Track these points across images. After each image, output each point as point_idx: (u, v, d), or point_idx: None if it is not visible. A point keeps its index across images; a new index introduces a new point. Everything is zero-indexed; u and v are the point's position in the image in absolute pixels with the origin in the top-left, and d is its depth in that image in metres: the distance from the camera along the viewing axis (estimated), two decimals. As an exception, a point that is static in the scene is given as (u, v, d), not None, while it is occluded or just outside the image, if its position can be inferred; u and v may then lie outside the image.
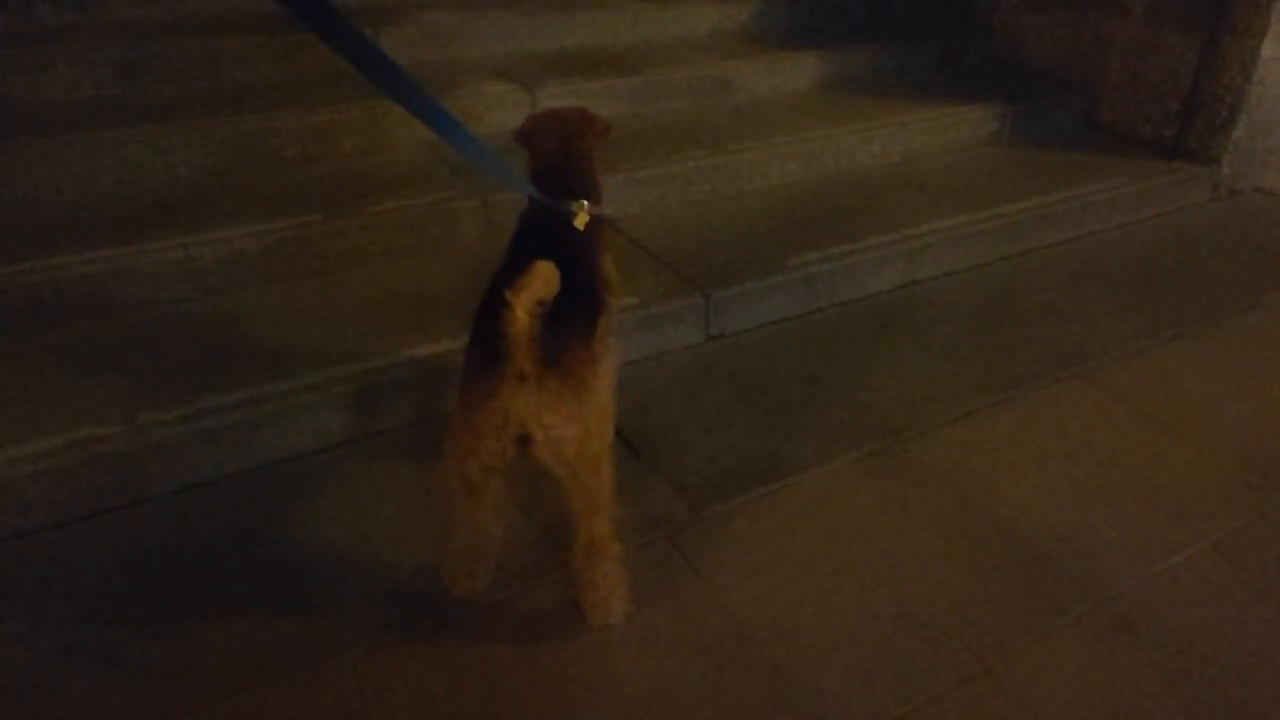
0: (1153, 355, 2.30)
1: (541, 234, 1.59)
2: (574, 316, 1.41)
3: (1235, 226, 3.10)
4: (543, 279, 1.24)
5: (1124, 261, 2.84)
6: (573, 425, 1.35)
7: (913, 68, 3.87)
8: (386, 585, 1.59)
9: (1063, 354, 2.30)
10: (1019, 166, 3.27)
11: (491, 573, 1.57)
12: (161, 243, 2.25)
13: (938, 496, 1.80)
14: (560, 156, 1.75)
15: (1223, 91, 3.18)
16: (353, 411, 1.99)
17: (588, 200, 1.66)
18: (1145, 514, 1.75)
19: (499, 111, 3.01)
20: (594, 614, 1.50)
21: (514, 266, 1.38)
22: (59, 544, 1.68)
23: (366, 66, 1.23)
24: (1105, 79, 3.56)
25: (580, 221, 1.62)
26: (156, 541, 1.69)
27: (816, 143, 3.13)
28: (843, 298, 2.60)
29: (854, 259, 2.59)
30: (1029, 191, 3.02)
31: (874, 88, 3.65)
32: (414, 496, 1.80)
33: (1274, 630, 1.49)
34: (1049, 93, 3.63)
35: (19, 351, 2.04)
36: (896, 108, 3.39)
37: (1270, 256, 2.86)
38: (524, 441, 1.36)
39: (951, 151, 3.41)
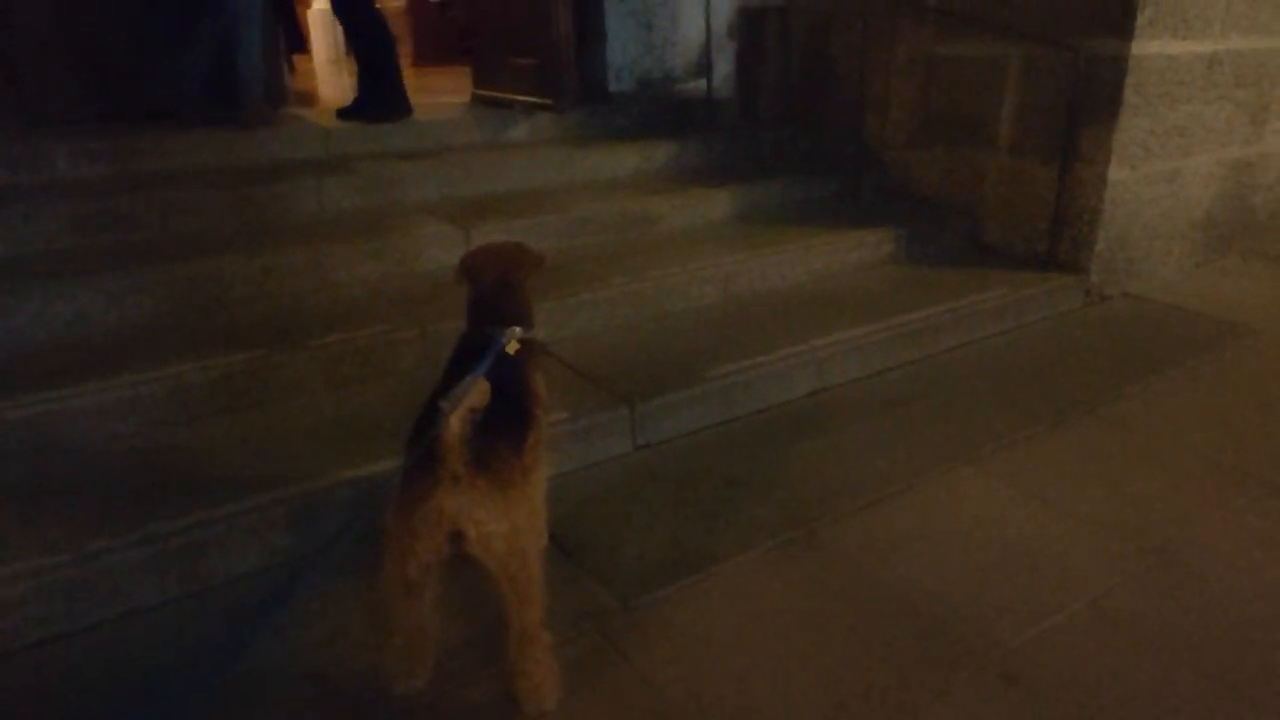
0: (1035, 443, 2.55)
1: (476, 355, 1.77)
2: (504, 426, 1.58)
3: (1106, 328, 3.45)
4: (475, 389, 1.42)
5: (1010, 362, 3.14)
6: (501, 521, 1.49)
7: (816, 199, 4.28)
8: (329, 691, 1.66)
9: (956, 445, 2.53)
10: (914, 282, 3.61)
11: (430, 671, 1.66)
12: (110, 380, 2.36)
13: (846, 577, 1.96)
14: (496, 286, 1.93)
15: (1081, 211, 3.61)
16: (297, 531, 2.09)
17: (520, 325, 1.85)
18: (1029, 580, 1.94)
19: (436, 250, 3.24)
20: (527, 702, 1.59)
21: (450, 381, 1.56)
22: (2, 675, 1.72)
23: None
24: (983, 203, 4.00)
25: (511, 348, 1.80)
26: (102, 666, 1.74)
27: (732, 267, 3.42)
28: (759, 405, 2.81)
29: (768, 369, 2.82)
30: (924, 303, 3.33)
31: (782, 217, 4.02)
32: (353, 608, 1.88)
33: (1142, 674, 1.66)
34: (937, 217, 4.05)
35: (-33, 490, 2.10)
36: (803, 234, 3.73)
37: (1136, 353, 3.19)
38: (457, 538, 1.49)
39: (854, 271, 3.75)
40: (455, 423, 1.39)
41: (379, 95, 4.33)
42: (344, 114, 4.31)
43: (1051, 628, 1.78)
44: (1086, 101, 3.47)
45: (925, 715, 1.57)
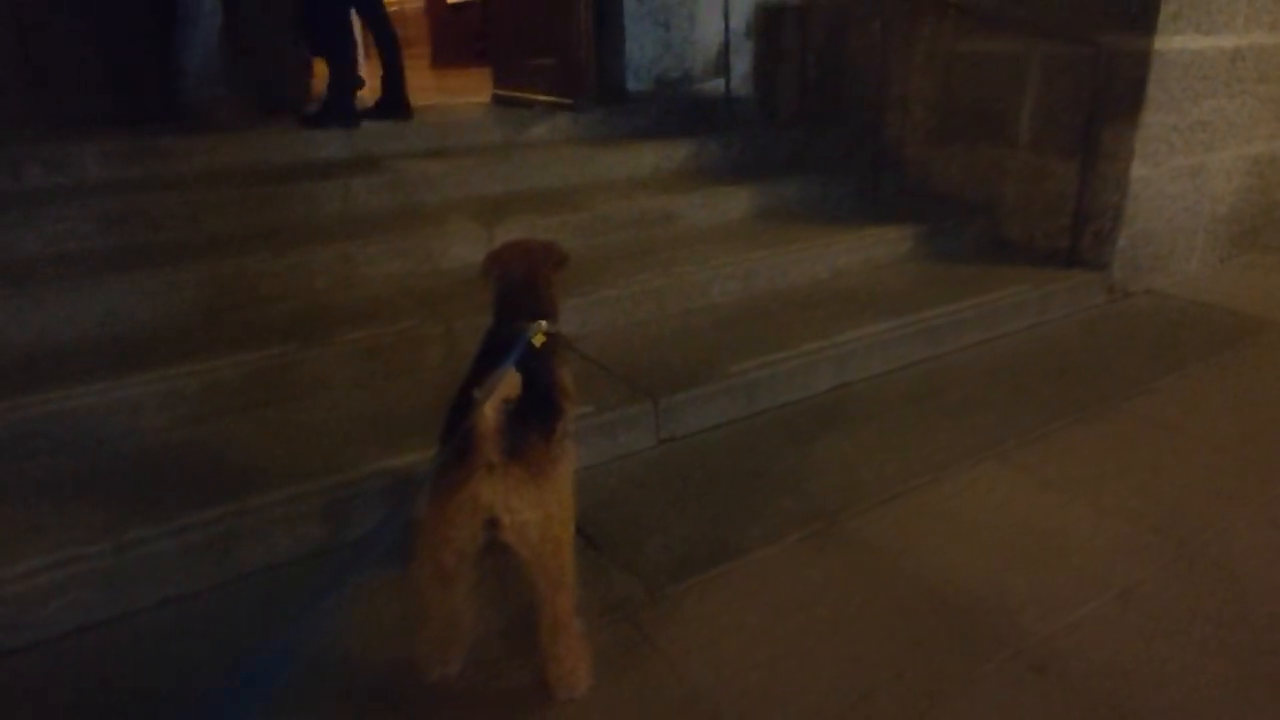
0: (1058, 437, 2.55)
1: (504, 349, 1.79)
2: (535, 417, 1.60)
3: (1128, 324, 3.44)
4: (507, 380, 1.45)
5: (1032, 358, 3.13)
6: (535, 509, 1.51)
7: (834, 197, 4.28)
8: (363, 678, 1.69)
9: (979, 440, 2.53)
10: (934, 279, 3.61)
11: (464, 658, 1.68)
12: (144, 376, 2.41)
13: (872, 568, 1.97)
14: (523, 281, 1.96)
15: (1104, 207, 3.60)
16: (328, 523, 2.12)
17: (545, 320, 1.88)
18: (1056, 571, 1.94)
19: (461, 247, 3.28)
20: (559, 687, 1.61)
21: (481, 373, 1.58)
22: (42, 661, 1.76)
23: None
24: (1003, 200, 3.99)
25: (538, 341, 1.82)
26: (138, 653, 1.77)
27: (752, 264, 3.44)
28: (781, 400, 2.82)
29: (790, 364, 2.83)
30: (944, 300, 3.33)
31: (801, 215, 4.03)
32: (385, 598, 1.91)
33: (1172, 664, 1.67)
34: (956, 214, 4.04)
35: (6, 482, 2.15)
36: (822, 231, 3.74)
37: (1158, 349, 3.18)
38: (492, 526, 1.51)
39: (874, 268, 3.75)
40: (489, 411, 1.42)
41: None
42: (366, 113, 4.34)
43: (1079, 618, 1.78)
44: (1109, 98, 3.46)
45: (953, 704, 1.58)
